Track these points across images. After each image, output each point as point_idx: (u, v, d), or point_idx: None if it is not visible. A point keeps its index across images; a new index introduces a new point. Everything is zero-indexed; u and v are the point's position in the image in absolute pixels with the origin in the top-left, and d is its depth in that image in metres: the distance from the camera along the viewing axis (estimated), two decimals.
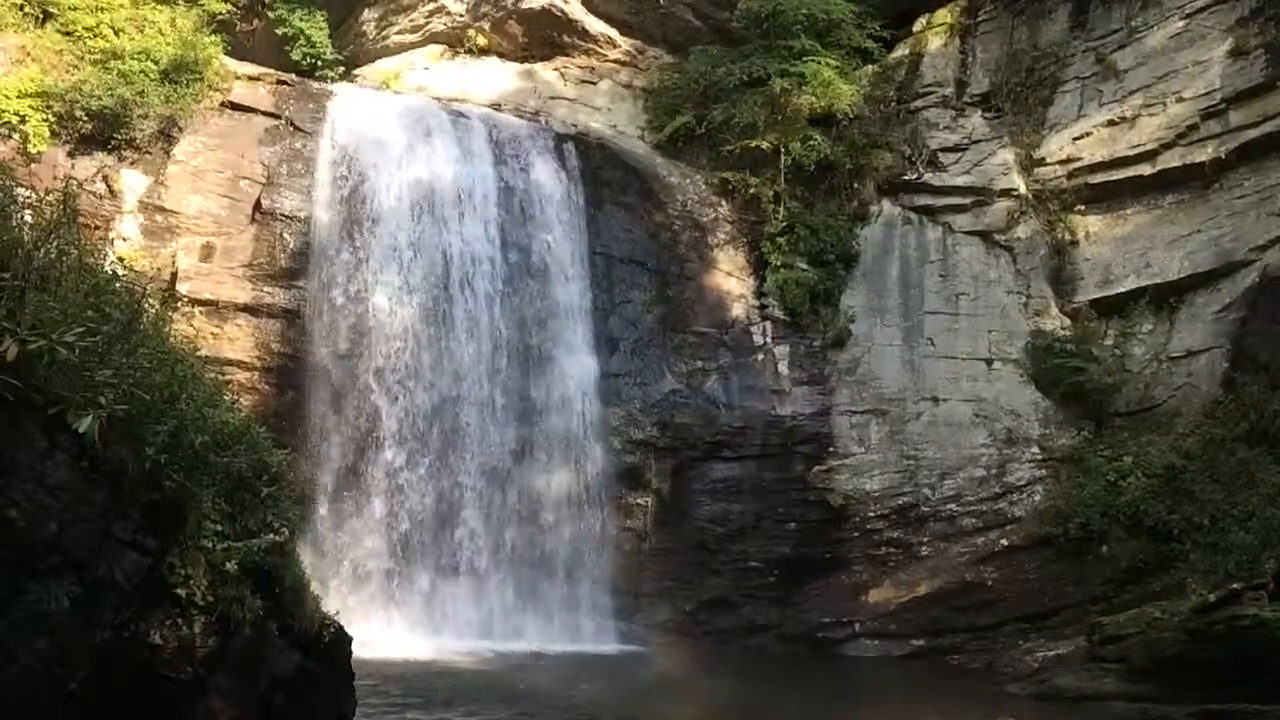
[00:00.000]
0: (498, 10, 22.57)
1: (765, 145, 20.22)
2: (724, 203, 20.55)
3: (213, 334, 16.40)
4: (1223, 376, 17.60)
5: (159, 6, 19.28)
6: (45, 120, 16.44)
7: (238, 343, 16.76)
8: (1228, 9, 18.42)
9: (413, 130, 18.96)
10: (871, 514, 18.78)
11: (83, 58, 17.53)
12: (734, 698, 13.81)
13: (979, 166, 20.23)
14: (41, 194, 6.01)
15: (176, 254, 16.74)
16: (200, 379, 7.11)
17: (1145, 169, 18.90)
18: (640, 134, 22.42)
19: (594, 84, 23.03)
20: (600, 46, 23.16)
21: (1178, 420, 17.84)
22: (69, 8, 17.86)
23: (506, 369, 17.97)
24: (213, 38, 19.11)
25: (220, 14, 20.63)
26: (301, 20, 22.69)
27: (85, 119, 16.67)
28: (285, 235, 17.40)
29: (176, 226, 16.93)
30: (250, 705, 6.44)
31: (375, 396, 17.17)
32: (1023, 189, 19.97)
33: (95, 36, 17.86)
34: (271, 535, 6.51)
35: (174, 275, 16.50)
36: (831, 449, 19.10)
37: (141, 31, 18.33)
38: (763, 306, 19.84)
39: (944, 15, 21.53)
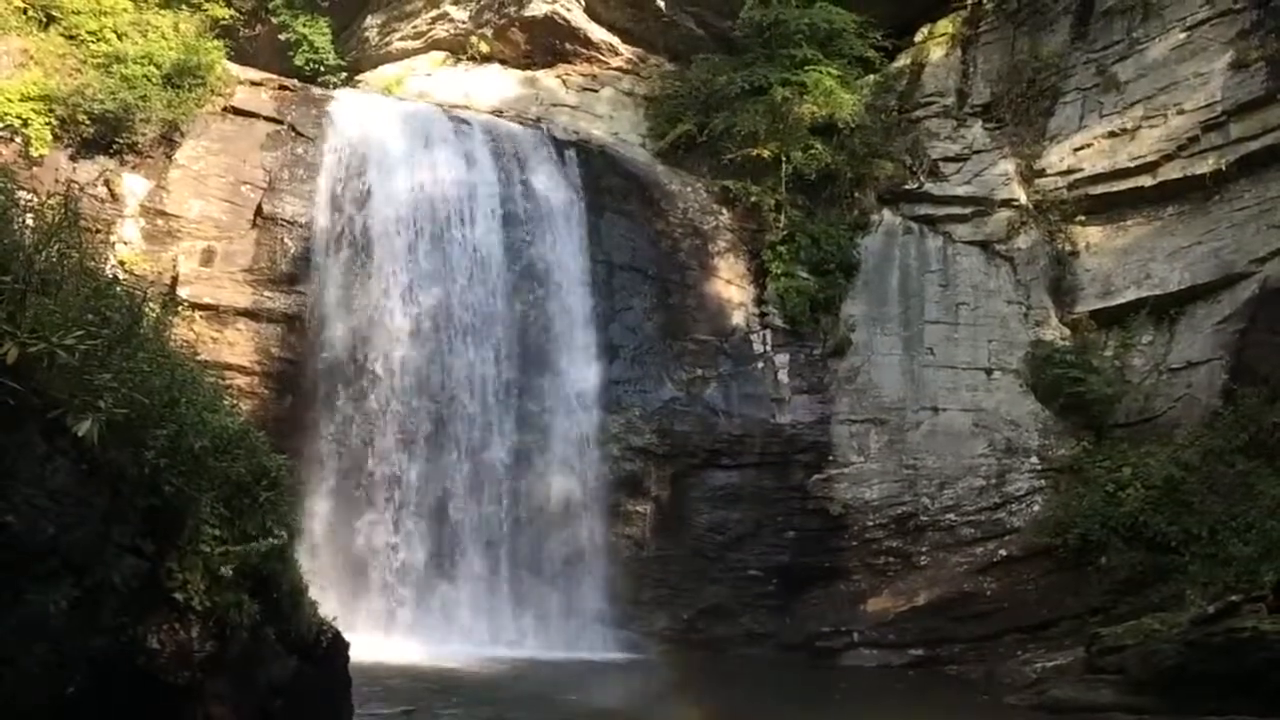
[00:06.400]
0: (500, 17, 22.62)
1: (766, 154, 20.23)
2: (725, 211, 20.57)
3: (213, 338, 16.42)
4: (1222, 388, 17.59)
5: (162, 11, 19.34)
6: (47, 123, 16.47)
7: (238, 347, 16.78)
8: (1229, 22, 18.45)
9: (414, 137, 18.99)
10: (870, 523, 18.78)
11: (85, 61, 17.58)
12: (731, 706, 13.75)
13: (980, 176, 20.26)
14: (43, 197, 6.01)
15: (177, 258, 16.77)
16: (200, 383, 7.10)
17: (1146, 180, 18.93)
18: (641, 142, 22.45)
19: (596, 92, 23.05)
20: (602, 54, 23.19)
21: (1177, 431, 17.85)
22: (72, 11, 17.90)
23: (506, 375, 17.97)
24: (215, 43, 19.15)
25: (223, 19, 20.72)
26: (305, 26, 22.76)
27: (87, 123, 16.71)
28: (286, 240, 17.42)
29: (177, 231, 16.96)
30: (248, 710, 6.42)
31: (374, 402, 17.18)
32: (1023, 199, 19.99)
33: (98, 40, 17.91)
34: (271, 540, 6.48)
35: (175, 279, 16.55)
36: (831, 458, 19.10)
37: (144, 36, 18.37)
38: (763, 315, 19.84)
39: (946, 25, 21.60)
